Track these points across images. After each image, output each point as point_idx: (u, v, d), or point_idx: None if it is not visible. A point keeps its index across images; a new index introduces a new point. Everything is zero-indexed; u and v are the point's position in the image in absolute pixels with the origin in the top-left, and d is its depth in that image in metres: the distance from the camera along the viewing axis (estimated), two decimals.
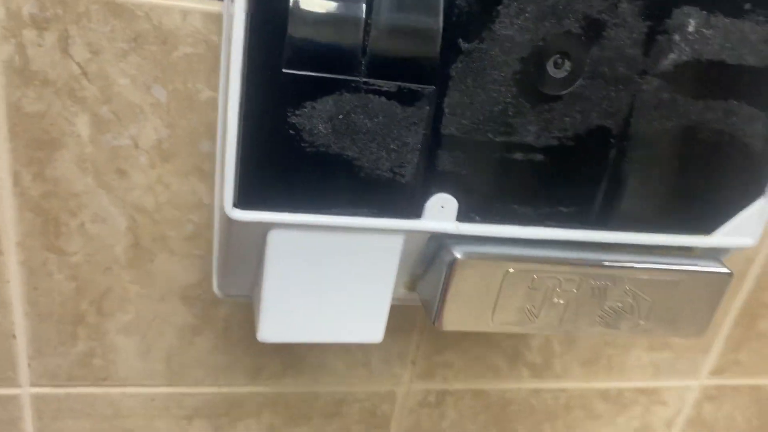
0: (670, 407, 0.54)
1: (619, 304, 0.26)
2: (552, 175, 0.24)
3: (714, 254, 0.28)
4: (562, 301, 0.25)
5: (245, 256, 0.24)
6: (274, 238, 0.22)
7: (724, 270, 0.27)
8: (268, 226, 0.22)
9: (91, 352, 0.40)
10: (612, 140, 0.24)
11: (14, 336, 0.39)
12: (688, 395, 0.54)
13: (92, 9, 0.31)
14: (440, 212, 0.23)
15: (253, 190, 0.21)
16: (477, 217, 0.24)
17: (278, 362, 0.44)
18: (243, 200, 0.21)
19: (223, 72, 0.24)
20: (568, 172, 0.24)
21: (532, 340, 0.47)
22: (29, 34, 0.31)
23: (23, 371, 0.40)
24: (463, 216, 0.24)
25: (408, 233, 0.24)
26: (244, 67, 0.20)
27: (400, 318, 0.44)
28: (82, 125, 0.34)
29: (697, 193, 0.26)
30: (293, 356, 0.44)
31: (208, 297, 0.40)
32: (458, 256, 0.24)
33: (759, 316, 0.51)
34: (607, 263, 0.25)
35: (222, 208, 0.22)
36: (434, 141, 0.22)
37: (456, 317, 0.25)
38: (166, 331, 0.41)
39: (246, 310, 0.41)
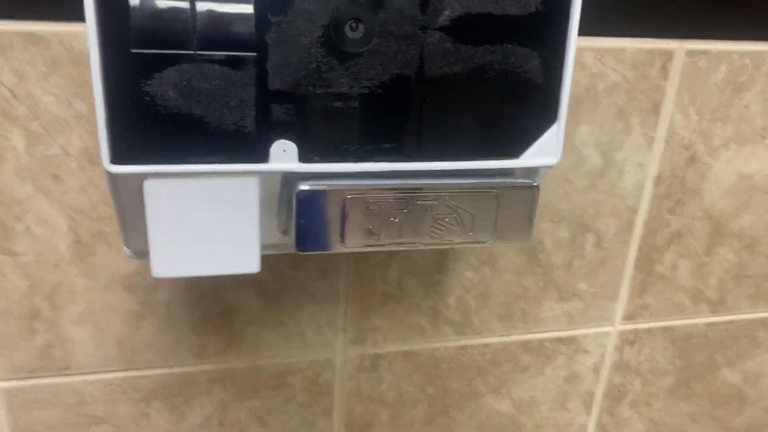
0: (593, 354, 0.59)
1: (446, 219, 0.32)
2: (370, 117, 0.30)
3: (529, 174, 0.34)
4: (397, 220, 0.31)
5: (135, 209, 0.30)
6: (148, 187, 0.29)
7: (530, 183, 0.33)
8: (141, 178, 0.29)
9: (49, 344, 0.46)
10: (413, 85, 0.30)
11: None
12: (606, 341, 0.59)
13: (14, 40, 0.38)
14: (283, 155, 0.30)
15: (124, 147, 0.28)
16: (316, 157, 0.30)
17: (219, 339, 0.49)
18: (116, 157, 0.28)
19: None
20: (383, 114, 0.30)
21: (448, 298, 0.53)
22: None
23: None
24: (304, 157, 0.30)
25: (261, 175, 0.30)
26: (101, 50, 0.26)
27: (324, 288, 0.49)
28: (17, 140, 0.40)
29: (501, 124, 0.32)
30: (231, 333, 0.49)
31: (147, 283, 0.46)
32: (302, 187, 0.30)
33: (655, 260, 0.57)
34: (427, 184, 0.31)
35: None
36: (266, 96, 0.29)
37: (313, 242, 0.31)
38: (114, 318, 0.46)
39: (182, 293, 0.47)
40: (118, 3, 0.26)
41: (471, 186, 0.32)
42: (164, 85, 0.27)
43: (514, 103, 0.32)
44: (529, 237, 0.33)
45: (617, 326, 0.59)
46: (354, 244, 0.31)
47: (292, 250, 0.34)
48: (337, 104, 0.29)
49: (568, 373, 0.59)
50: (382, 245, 0.32)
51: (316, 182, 0.30)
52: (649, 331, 0.60)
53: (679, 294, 0.59)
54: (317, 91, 0.29)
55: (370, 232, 0.31)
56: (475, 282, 0.53)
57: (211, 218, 0.30)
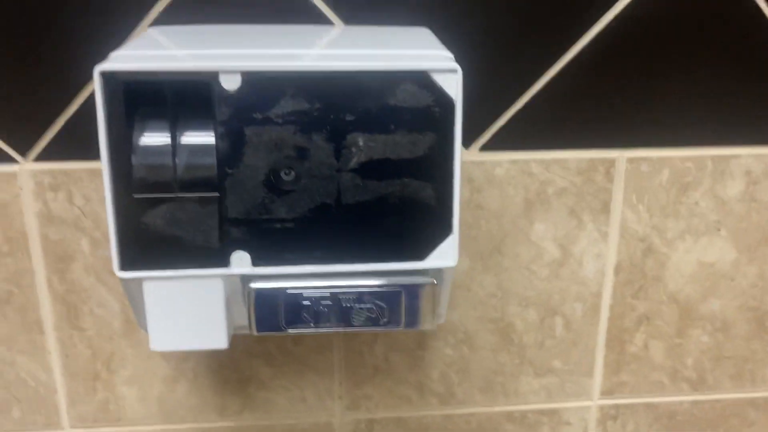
0: (575, 426, 0.65)
1: (365, 309, 0.42)
2: (304, 234, 0.41)
3: (433, 273, 0.43)
4: (326, 309, 0.42)
5: (139, 301, 0.43)
6: (146, 287, 0.41)
7: (431, 280, 0.42)
8: (141, 280, 0.41)
9: (106, 400, 0.59)
10: (333, 210, 0.41)
11: (56, 391, 0.58)
12: (588, 415, 0.65)
13: (83, 175, 0.53)
14: (240, 262, 0.41)
15: (128, 260, 0.40)
16: (264, 263, 0.42)
17: (237, 401, 0.60)
18: (123, 266, 0.40)
19: None
20: (313, 231, 0.41)
21: (431, 371, 0.61)
22: (49, 194, 0.53)
23: (64, 416, 0.59)
24: (256, 263, 0.41)
25: (224, 277, 0.42)
26: (112, 195, 0.39)
27: (320, 361, 0.60)
28: (85, 245, 0.54)
29: (407, 236, 0.42)
30: (246, 396, 0.60)
31: (179, 354, 0.58)
32: (253, 286, 0.41)
33: (626, 341, 0.62)
34: (349, 283, 0.42)
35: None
36: (227, 222, 0.40)
37: (265, 326, 0.42)
38: (154, 381, 0.59)
39: (207, 362, 0.59)
40: (123, 163, 0.39)
41: (382, 283, 0.42)
42: (156, 217, 0.40)
43: (415, 220, 0.42)
44: (434, 324, 0.43)
45: (596, 401, 0.64)
46: (294, 327, 0.42)
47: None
48: (278, 225, 0.41)
49: None
50: (316, 329, 0.42)
51: (265, 282, 0.42)
52: (630, 406, 0.65)
53: (656, 372, 0.64)
54: (263, 217, 0.41)
55: (305, 319, 0.42)
56: (454, 358, 0.61)
57: (191, 308, 0.42)
